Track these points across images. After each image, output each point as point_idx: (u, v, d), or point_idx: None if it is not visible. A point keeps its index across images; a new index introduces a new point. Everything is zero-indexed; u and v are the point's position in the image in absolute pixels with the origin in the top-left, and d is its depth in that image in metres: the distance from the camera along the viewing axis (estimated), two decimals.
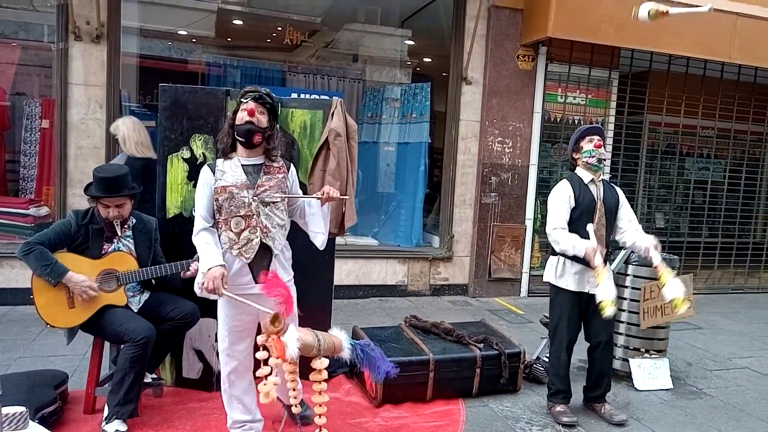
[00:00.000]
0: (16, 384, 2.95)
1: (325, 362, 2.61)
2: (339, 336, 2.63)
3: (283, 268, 2.80)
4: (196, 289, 2.67)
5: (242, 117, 2.61)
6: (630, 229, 3.47)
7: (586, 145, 3.42)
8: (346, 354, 2.64)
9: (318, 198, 2.70)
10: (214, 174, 2.67)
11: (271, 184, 2.69)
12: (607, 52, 6.44)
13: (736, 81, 7.31)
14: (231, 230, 2.65)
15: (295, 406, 2.67)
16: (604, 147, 3.46)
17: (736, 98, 7.37)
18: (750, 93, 7.45)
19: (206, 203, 2.68)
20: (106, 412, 2.94)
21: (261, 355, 2.45)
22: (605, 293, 3.05)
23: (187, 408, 3.29)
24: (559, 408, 3.46)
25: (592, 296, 3.29)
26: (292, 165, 2.88)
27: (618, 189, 3.56)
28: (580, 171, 3.47)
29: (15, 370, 3.47)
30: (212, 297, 2.63)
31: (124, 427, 2.90)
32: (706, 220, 7.73)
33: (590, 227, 3.24)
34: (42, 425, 2.62)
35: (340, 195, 2.79)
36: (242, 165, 2.68)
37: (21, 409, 2.51)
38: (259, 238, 2.67)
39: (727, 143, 7.76)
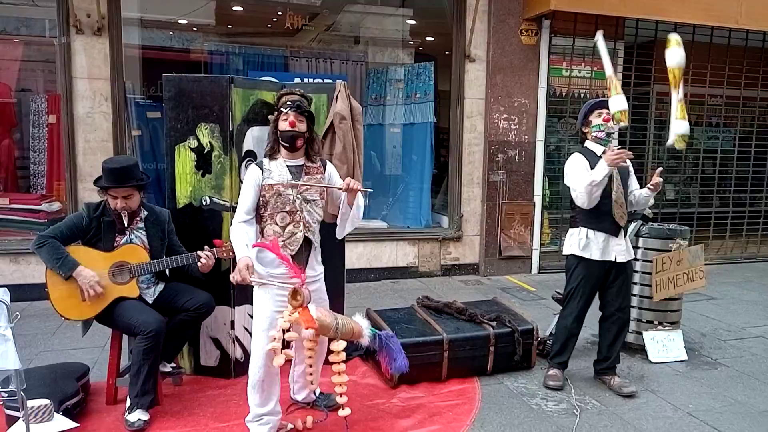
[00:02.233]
0: (39, 377, 3.01)
1: (343, 344, 2.69)
2: (361, 323, 2.72)
3: (317, 261, 3.00)
4: (232, 279, 2.80)
5: (285, 126, 2.85)
6: (636, 190, 3.59)
7: (595, 119, 3.46)
8: (365, 341, 2.78)
9: (340, 189, 2.87)
10: (262, 172, 2.87)
11: (312, 183, 2.92)
12: (611, 23, 6.33)
13: (744, 47, 7.20)
14: (276, 224, 2.85)
15: (311, 383, 2.78)
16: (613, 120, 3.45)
17: (744, 65, 7.27)
18: (759, 59, 7.34)
19: (252, 198, 2.86)
20: (128, 403, 3.00)
21: (290, 335, 2.57)
22: (618, 105, 3.22)
23: (206, 395, 3.35)
24: (551, 372, 3.60)
25: (614, 265, 3.46)
26: (329, 162, 3.10)
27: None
28: (590, 144, 3.52)
29: (37, 364, 3.53)
30: (253, 282, 2.80)
31: (146, 416, 2.96)
32: (716, 189, 7.67)
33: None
34: (66, 417, 2.70)
35: (354, 181, 2.88)
36: (287, 165, 2.90)
37: (45, 401, 2.57)
38: (302, 232, 2.87)
39: (736, 111, 7.67)
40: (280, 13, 6.93)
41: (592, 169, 3.37)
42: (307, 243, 2.90)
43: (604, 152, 3.42)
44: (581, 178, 3.34)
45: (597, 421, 3.20)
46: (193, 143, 3.50)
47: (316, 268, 2.98)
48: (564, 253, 3.64)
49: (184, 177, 3.53)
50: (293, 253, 2.85)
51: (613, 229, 3.42)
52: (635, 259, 4.11)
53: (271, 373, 2.82)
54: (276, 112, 2.94)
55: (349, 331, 2.69)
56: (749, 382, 3.75)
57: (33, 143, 5.71)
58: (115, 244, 3.11)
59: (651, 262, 4.01)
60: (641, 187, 3.64)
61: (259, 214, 2.91)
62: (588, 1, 5.98)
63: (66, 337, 4.20)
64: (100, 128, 5.30)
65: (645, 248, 4.11)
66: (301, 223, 2.87)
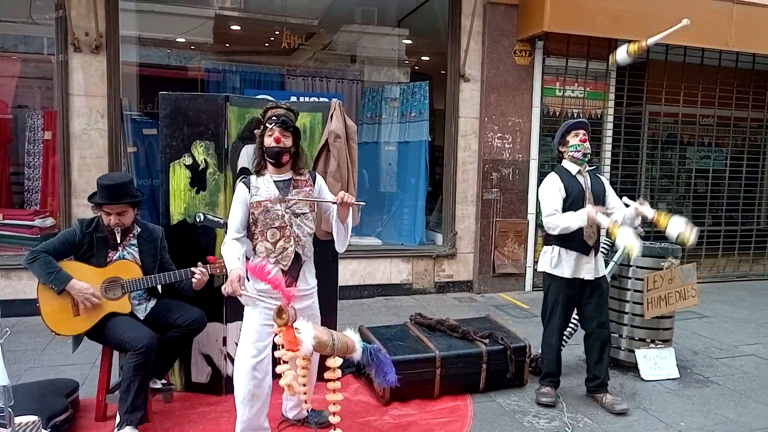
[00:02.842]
0: (27, 393, 2.99)
1: (339, 361, 2.67)
2: (352, 338, 2.72)
3: (310, 274, 3.00)
4: (224, 291, 2.79)
5: (270, 142, 2.84)
6: (617, 210, 3.60)
7: (572, 139, 3.54)
8: (357, 355, 2.75)
9: (334, 202, 2.86)
10: (249, 190, 2.87)
11: (300, 197, 2.91)
12: (603, 45, 6.44)
13: (735, 68, 7.31)
14: (267, 240, 2.85)
15: (305, 402, 2.74)
16: (590, 141, 3.57)
17: (734, 85, 7.37)
18: (749, 80, 7.45)
19: (241, 217, 2.86)
20: (117, 419, 2.98)
21: (280, 353, 2.51)
22: (626, 240, 3.10)
23: (197, 412, 3.33)
24: (543, 390, 3.61)
25: (587, 283, 3.52)
26: (317, 175, 3.09)
27: (603, 178, 3.71)
28: (566, 163, 3.59)
29: (27, 380, 3.51)
30: (244, 301, 2.84)
31: None
32: (709, 208, 7.72)
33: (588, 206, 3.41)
34: None
35: (348, 195, 2.88)
36: (274, 181, 2.90)
37: (33, 418, 2.55)
38: (293, 247, 2.87)
39: (727, 131, 7.75)
40: (277, 33, 7.03)
41: (566, 189, 3.46)
42: (298, 257, 2.90)
43: (579, 172, 3.51)
44: (552, 204, 3.44)
45: None
46: (188, 160, 3.52)
47: (309, 282, 2.98)
48: (538, 270, 3.71)
49: (178, 194, 3.54)
50: (286, 268, 2.85)
51: (583, 248, 3.47)
52: (626, 277, 4.15)
53: (260, 386, 2.82)
54: (262, 127, 2.93)
55: (343, 347, 2.69)
56: (741, 401, 3.75)
57: (28, 159, 5.73)
58: (108, 260, 3.10)
59: (643, 280, 4.04)
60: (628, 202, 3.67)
61: (250, 231, 2.90)
62: (580, 23, 6.09)
63: (56, 353, 4.18)
64: (95, 145, 5.33)
65: (637, 266, 4.13)
66: (292, 238, 2.87)
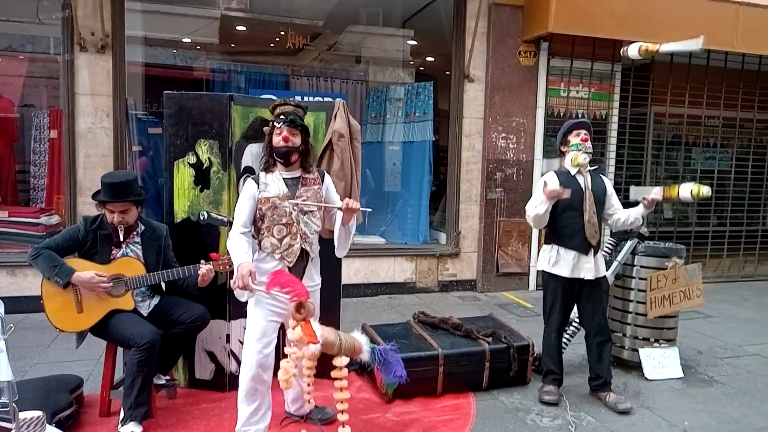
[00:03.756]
0: (32, 389, 3.01)
1: (346, 360, 2.66)
2: (360, 339, 2.74)
3: (316, 271, 3.01)
4: (234, 288, 2.78)
5: (278, 141, 2.84)
6: (618, 211, 3.63)
7: (573, 138, 3.54)
8: (365, 356, 2.74)
9: (340, 208, 2.85)
10: (258, 186, 2.87)
11: (309, 195, 2.91)
12: (608, 46, 6.43)
13: (740, 69, 7.29)
14: (273, 236, 2.85)
15: (308, 402, 2.72)
16: (591, 141, 3.57)
17: (740, 87, 7.34)
18: (754, 81, 7.42)
19: (248, 211, 2.86)
20: (122, 415, 3.00)
21: (290, 350, 2.54)
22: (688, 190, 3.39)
23: (200, 409, 3.34)
24: (546, 388, 3.61)
25: (585, 283, 3.52)
26: (326, 173, 3.10)
27: (605, 179, 3.70)
28: (567, 164, 3.58)
29: (32, 376, 3.53)
30: (245, 297, 2.84)
31: (139, 429, 2.95)
32: (714, 209, 7.69)
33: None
34: (59, 429, 2.69)
35: (354, 201, 2.86)
36: (283, 178, 2.90)
37: (38, 413, 2.56)
38: (299, 244, 2.87)
39: (732, 132, 7.74)
40: (282, 33, 7.04)
41: (563, 186, 3.44)
42: (304, 254, 2.90)
43: (578, 172, 3.52)
44: (531, 202, 3.51)
45: None
46: (192, 159, 3.54)
47: (314, 278, 3.00)
48: (537, 268, 3.71)
49: (182, 192, 3.56)
50: (291, 264, 2.86)
51: (583, 248, 3.48)
52: (630, 277, 4.14)
53: (263, 383, 2.83)
54: (270, 125, 2.92)
55: (350, 347, 2.71)
56: (745, 400, 3.74)
57: (34, 157, 5.77)
58: (111, 257, 3.12)
59: (645, 279, 4.03)
60: (634, 204, 3.69)
61: (256, 227, 2.91)
62: (585, 24, 6.08)
63: (61, 349, 4.20)
64: (100, 143, 5.36)
65: (641, 266, 4.12)
66: (298, 235, 2.87)
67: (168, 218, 3.57)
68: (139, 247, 3.20)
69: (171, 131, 3.56)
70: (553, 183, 3.42)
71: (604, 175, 3.77)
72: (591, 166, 3.61)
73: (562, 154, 3.64)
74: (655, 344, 4.12)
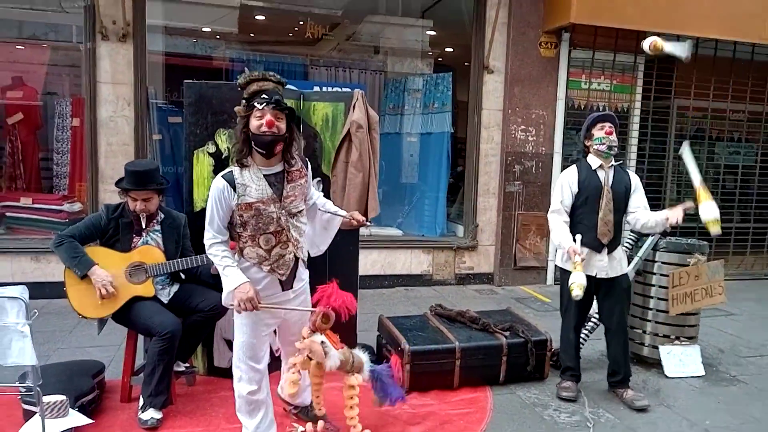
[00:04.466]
0: (56, 374, 3.06)
1: (360, 379, 2.66)
2: (362, 358, 2.77)
3: (304, 269, 2.71)
4: (228, 304, 2.54)
5: (260, 127, 2.32)
6: (641, 211, 3.52)
7: (597, 132, 3.46)
8: (365, 374, 2.73)
9: (343, 216, 2.73)
10: (235, 189, 2.38)
11: (296, 193, 2.52)
12: (632, 37, 6.30)
13: None
14: (260, 247, 2.46)
15: (319, 409, 2.75)
16: (617, 133, 3.49)
17: None
18: None
19: (223, 217, 2.44)
20: (141, 402, 3.04)
21: (294, 359, 2.58)
22: (576, 278, 3.21)
23: (219, 396, 3.37)
24: (564, 384, 3.58)
25: (600, 280, 3.47)
26: (308, 160, 2.70)
27: (632, 175, 3.61)
28: (590, 157, 3.52)
29: (55, 361, 3.59)
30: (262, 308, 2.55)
31: (159, 415, 2.99)
32: (737, 205, 7.55)
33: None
34: (81, 413, 2.73)
35: (359, 216, 2.80)
36: (264, 176, 2.44)
37: (61, 397, 2.61)
38: (292, 254, 2.52)
39: (758, 126, 7.56)
40: (301, 23, 7.02)
41: (581, 183, 3.42)
42: (295, 261, 2.58)
43: (600, 167, 3.45)
44: (555, 202, 3.50)
45: None
46: (212, 148, 3.55)
47: (303, 277, 2.70)
48: (555, 263, 3.67)
49: (201, 181, 3.58)
50: (283, 278, 2.54)
51: (595, 245, 3.42)
52: (651, 273, 4.08)
53: (261, 393, 2.67)
54: (244, 104, 2.38)
55: (359, 365, 2.74)
56: None
57: (57, 145, 5.85)
58: (132, 245, 3.16)
59: (668, 276, 3.97)
60: (657, 208, 3.61)
61: (235, 232, 2.49)
62: (608, 14, 5.97)
63: (83, 335, 4.27)
64: (122, 132, 5.41)
65: (662, 262, 4.06)
66: (290, 243, 2.49)
67: (187, 207, 3.59)
68: (159, 235, 3.23)
69: (191, 120, 3.57)
70: (568, 244, 3.35)
71: (627, 169, 3.67)
72: (615, 161, 3.52)
73: (586, 149, 3.56)
74: (676, 342, 4.07)
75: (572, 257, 3.29)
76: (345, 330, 3.04)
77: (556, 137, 6.46)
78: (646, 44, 3.46)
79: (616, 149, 3.46)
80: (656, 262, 4.08)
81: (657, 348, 4.05)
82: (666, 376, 3.94)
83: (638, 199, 3.55)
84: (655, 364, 4.06)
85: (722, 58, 6.91)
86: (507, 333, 3.76)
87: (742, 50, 6.89)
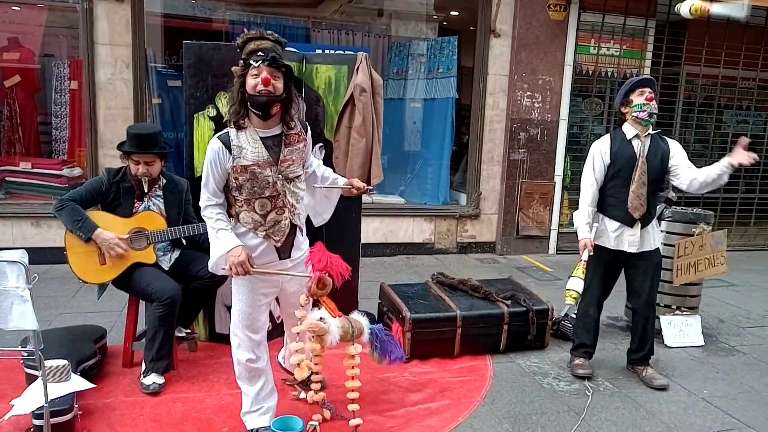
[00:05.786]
0: (58, 339, 3.07)
1: (360, 348, 2.62)
2: (361, 321, 2.72)
3: (303, 237, 2.64)
4: (219, 269, 2.47)
5: (255, 85, 2.27)
6: (692, 170, 3.28)
7: (637, 98, 3.25)
8: (365, 338, 2.68)
9: (342, 188, 2.66)
10: (230, 151, 2.34)
11: (294, 158, 2.45)
12: (643, 0, 6.14)
13: None
14: (255, 212, 2.41)
15: (316, 392, 2.69)
16: (657, 100, 3.31)
17: None
18: None
19: (218, 180, 2.40)
20: (143, 366, 3.05)
21: (297, 328, 2.53)
22: (573, 285, 3.19)
23: (220, 362, 3.39)
24: (577, 361, 3.50)
25: (631, 255, 3.34)
26: (308, 125, 2.62)
27: (671, 142, 3.38)
28: (626, 126, 3.33)
29: (57, 326, 3.60)
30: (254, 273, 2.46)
31: (161, 380, 3.01)
32: (743, 175, 7.47)
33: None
34: (83, 378, 2.74)
35: (359, 183, 2.73)
36: (261, 138, 2.38)
37: (63, 362, 2.62)
38: (288, 219, 2.47)
39: None
40: None
41: (613, 155, 3.26)
42: (293, 228, 2.51)
43: (636, 136, 3.26)
44: (587, 176, 3.36)
45: (609, 402, 3.18)
46: (212, 112, 3.48)
47: (302, 247, 2.62)
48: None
49: (202, 146, 3.51)
50: (279, 244, 2.48)
51: (627, 220, 3.28)
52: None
53: (261, 362, 2.60)
54: (241, 64, 2.33)
55: (359, 331, 2.71)
56: (767, 370, 3.69)
57: (55, 108, 5.76)
58: (134, 210, 3.13)
59: (673, 246, 3.94)
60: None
61: (231, 195, 2.45)
62: None
63: (85, 300, 4.28)
64: (121, 95, 5.32)
65: (667, 232, 4.03)
66: (286, 209, 2.44)
67: (188, 172, 3.54)
68: (161, 200, 3.20)
69: (191, 83, 3.49)
70: (583, 236, 3.30)
71: (665, 138, 3.40)
72: (653, 130, 3.32)
73: (623, 116, 3.36)
74: (677, 312, 4.07)
75: (581, 253, 3.21)
76: (346, 298, 3.03)
77: (562, 104, 6.35)
78: (685, 7, 3.27)
79: (656, 116, 3.29)
80: (662, 231, 4.03)
81: (658, 318, 4.05)
82: (666, 346, 3.95)
83: (679, 159, 3.31)
84: (656, 334, 4.05)
85: (735, 24, 6.73)
86: (508, 302, 3.76)
87: (756, 15, 6.70)
